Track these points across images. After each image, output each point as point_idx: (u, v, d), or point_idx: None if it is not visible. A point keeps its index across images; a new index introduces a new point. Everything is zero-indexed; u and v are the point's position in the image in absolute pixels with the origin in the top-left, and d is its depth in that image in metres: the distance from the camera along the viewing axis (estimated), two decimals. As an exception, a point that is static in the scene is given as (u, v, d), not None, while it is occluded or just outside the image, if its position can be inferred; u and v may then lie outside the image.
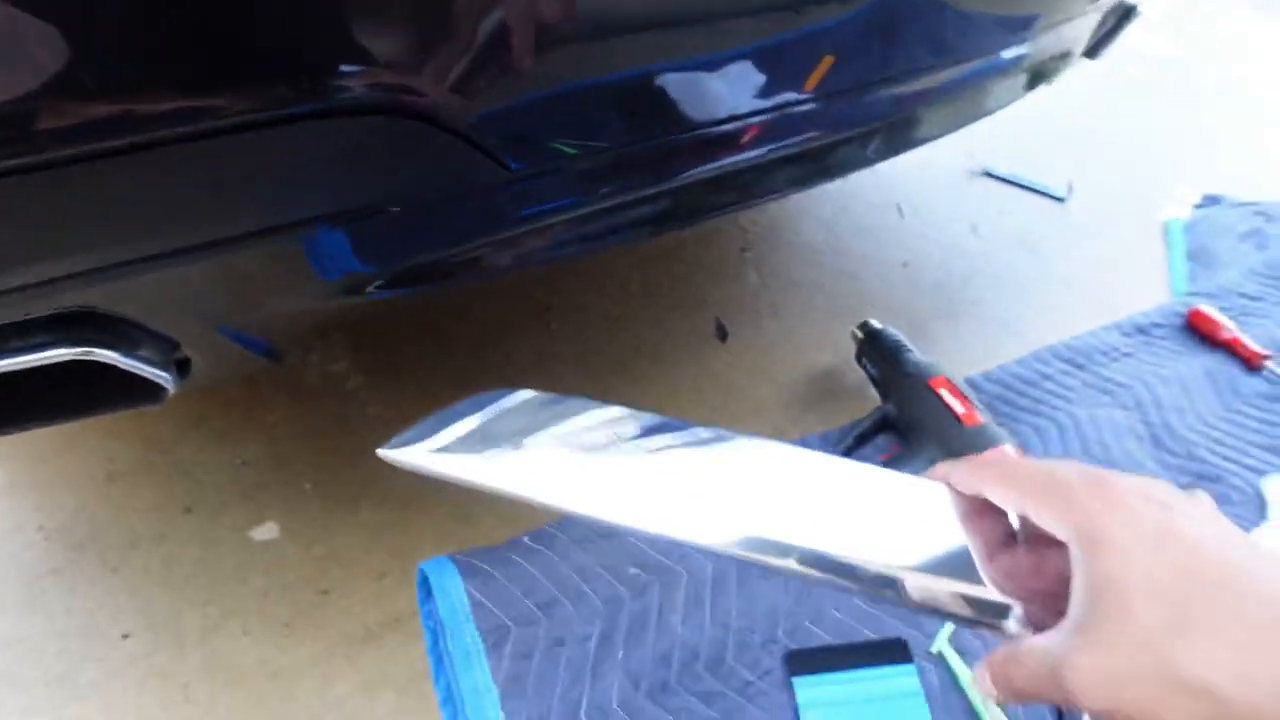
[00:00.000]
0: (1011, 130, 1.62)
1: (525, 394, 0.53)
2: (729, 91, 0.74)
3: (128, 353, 0.56)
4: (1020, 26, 0.97)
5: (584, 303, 1.27)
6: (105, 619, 0.92)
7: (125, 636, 0.91)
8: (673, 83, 0.69)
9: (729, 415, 1.13)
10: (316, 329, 1.01)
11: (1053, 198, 1.71)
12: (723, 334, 1.23)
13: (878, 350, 1.15)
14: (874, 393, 1.14)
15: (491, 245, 0.71)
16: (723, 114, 0.74)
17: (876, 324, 1.17)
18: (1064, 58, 1.13)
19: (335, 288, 0.65)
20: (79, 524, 1.02)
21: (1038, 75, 1.13)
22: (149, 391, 0.59)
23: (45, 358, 0.53)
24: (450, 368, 1.18)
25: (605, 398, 1.09)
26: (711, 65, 0.71)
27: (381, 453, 0.46)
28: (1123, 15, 1.21)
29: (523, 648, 0.80)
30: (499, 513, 0.99)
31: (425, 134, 0.51)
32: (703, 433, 0.47)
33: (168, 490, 1.04)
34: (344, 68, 0.48)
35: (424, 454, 0.46)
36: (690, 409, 1.13)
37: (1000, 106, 1.08)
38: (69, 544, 1.00)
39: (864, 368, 1.17)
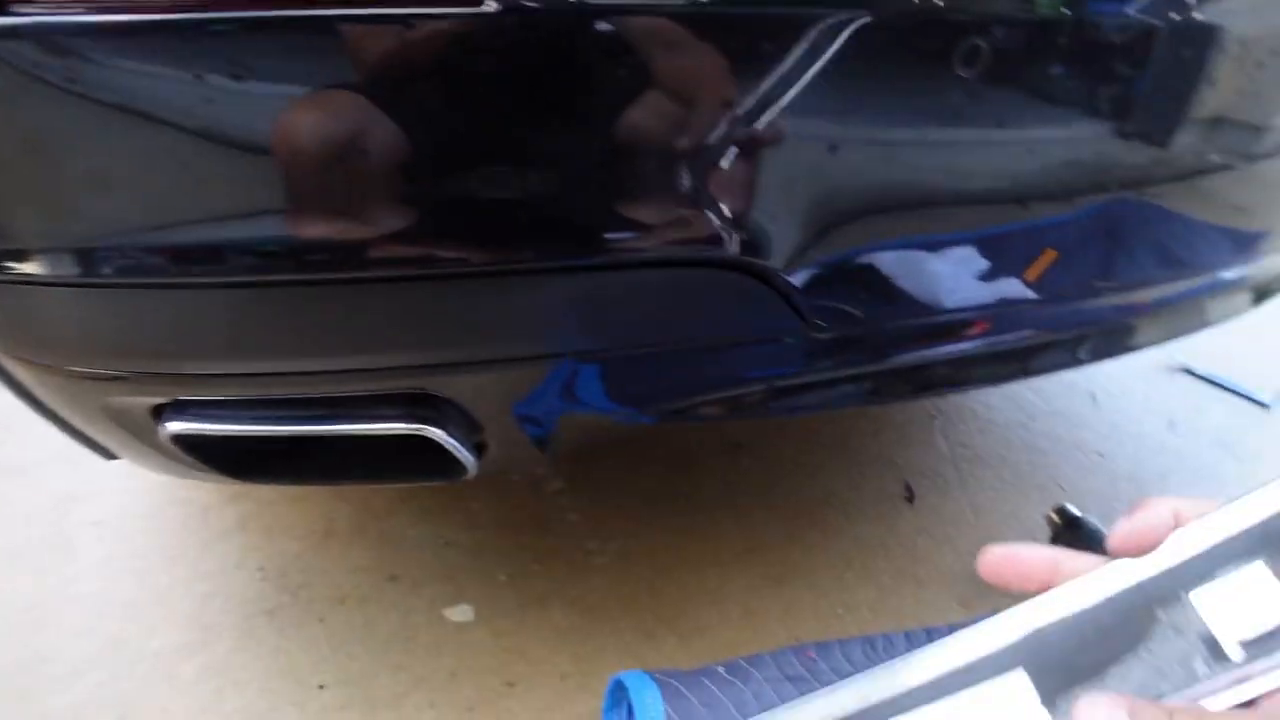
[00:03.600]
0: (1213, 331, 1.58)
1: None
2: (960, 277, 0.78)
3: (450, 433, 0.63)
4: (1248, 244, 0.98)
5: (774, 445, 1.31)
6: (307, 666, 0.99)
7: (322, 687, 0.96)
8: (927, 262, 0.74)
9: (914, 579, 1.12)
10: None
11: (1256, 402, 1.64)
12: (910, 496, 1.23)
13: (1076, 539, 1.12)
14: (1066, 582, 1.11)
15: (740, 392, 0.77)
16: (953, 302, 0.77)
17: (1075, 510, 1.15)
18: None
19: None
20: (294, 571, 1.11)
21: (1263, 293, 1.12)
22: (452, 469, 0.66)
23: (388, 429, 0.62)
24: (643, 488, 1.23)
25: (790, 542, 1.12)
26: (953, 246, 0.75)
27: None
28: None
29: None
30: (680, 632, 1.01)
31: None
32: None
33: (377, 555, 1.12)
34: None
35: None
36: (876, 567, 1.13)
37: (1221, 320, 1.07)
38: (284, 588, 1.08)
39: (1057, 554, 1.14)
